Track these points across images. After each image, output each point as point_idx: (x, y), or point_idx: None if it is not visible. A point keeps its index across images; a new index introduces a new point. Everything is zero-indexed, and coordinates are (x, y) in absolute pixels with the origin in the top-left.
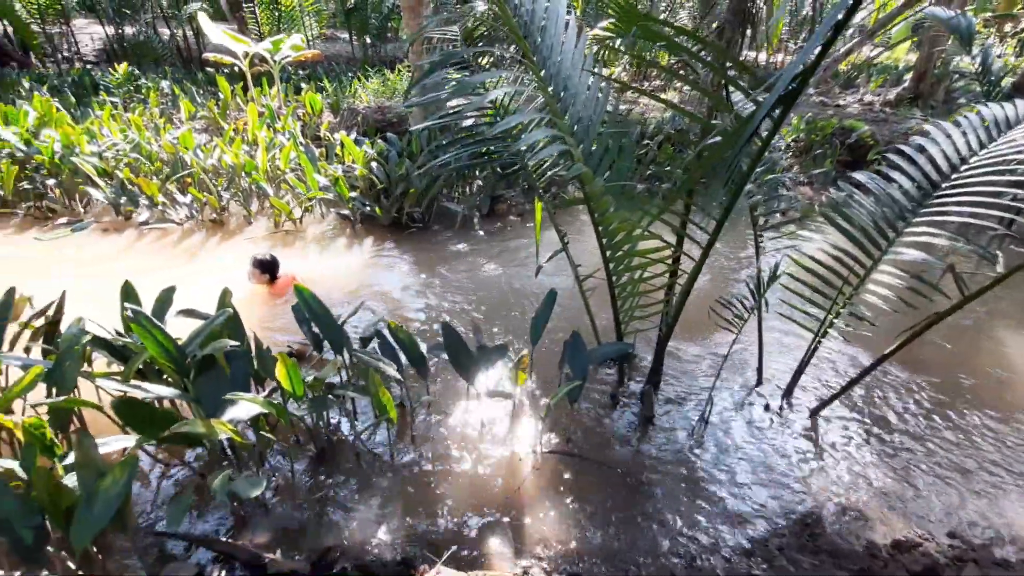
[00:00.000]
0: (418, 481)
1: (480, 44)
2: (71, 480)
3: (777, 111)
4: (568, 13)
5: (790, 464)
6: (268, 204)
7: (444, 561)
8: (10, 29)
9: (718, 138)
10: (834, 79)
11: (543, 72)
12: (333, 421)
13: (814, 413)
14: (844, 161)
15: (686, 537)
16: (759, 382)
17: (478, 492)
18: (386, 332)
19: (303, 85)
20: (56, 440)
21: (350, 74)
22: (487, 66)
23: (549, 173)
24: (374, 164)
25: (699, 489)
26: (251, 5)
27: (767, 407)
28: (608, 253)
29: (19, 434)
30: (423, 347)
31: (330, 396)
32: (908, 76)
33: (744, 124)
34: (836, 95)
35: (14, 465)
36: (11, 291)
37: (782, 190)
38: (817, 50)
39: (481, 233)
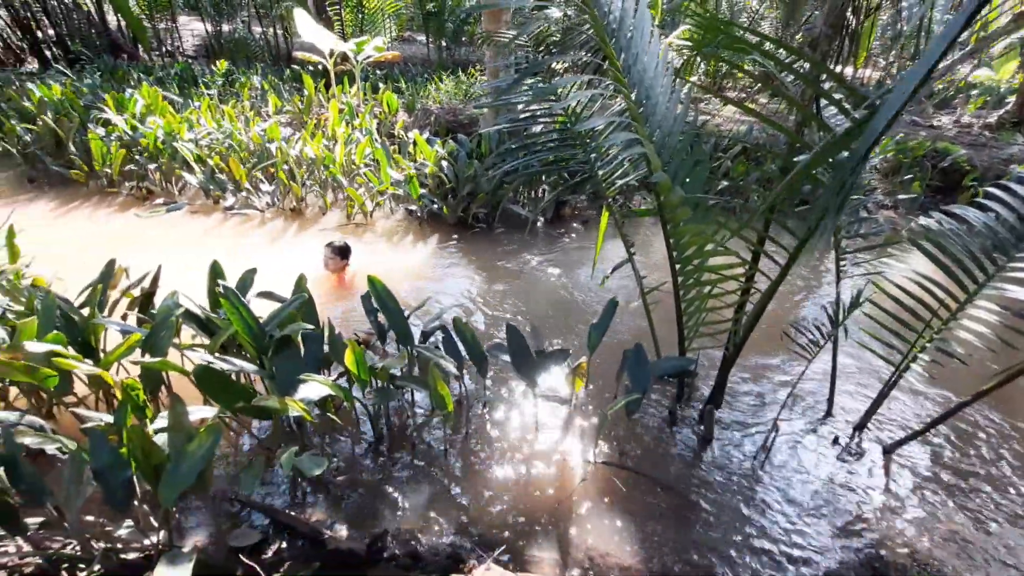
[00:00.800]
0: (470, 477)
1: (553, 50)
2: (159, 440)
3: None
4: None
5: (859, 504)
6: (342, 197)
7: (494, 559)
8: (123, 23)
9: (806, 155)
10: (928, 99)
11: (626, 79)
12: (392, 410)
13: (889, 451)
14: (935, 186)
15: (740, 571)
16: (829, 413)
17: (529, 495)
18: (450, 327)
19: (381, 84)
20: (147, 402)
21: (425, 76)
22: (559, 72)
23: (619, 183)
24: (444, 163)
25: (757, 520)
26: (336, 7)
27: (836, 440)
28: (678, 266)
29: (118, 393)
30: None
31: (392, 386)
32: (1011, 98)
33: (848, 139)
34: (930, 115)
35: (111, 419)
36: (111, 263)
37: (863, 212)
38: (930, 64)
39: (544, 237)
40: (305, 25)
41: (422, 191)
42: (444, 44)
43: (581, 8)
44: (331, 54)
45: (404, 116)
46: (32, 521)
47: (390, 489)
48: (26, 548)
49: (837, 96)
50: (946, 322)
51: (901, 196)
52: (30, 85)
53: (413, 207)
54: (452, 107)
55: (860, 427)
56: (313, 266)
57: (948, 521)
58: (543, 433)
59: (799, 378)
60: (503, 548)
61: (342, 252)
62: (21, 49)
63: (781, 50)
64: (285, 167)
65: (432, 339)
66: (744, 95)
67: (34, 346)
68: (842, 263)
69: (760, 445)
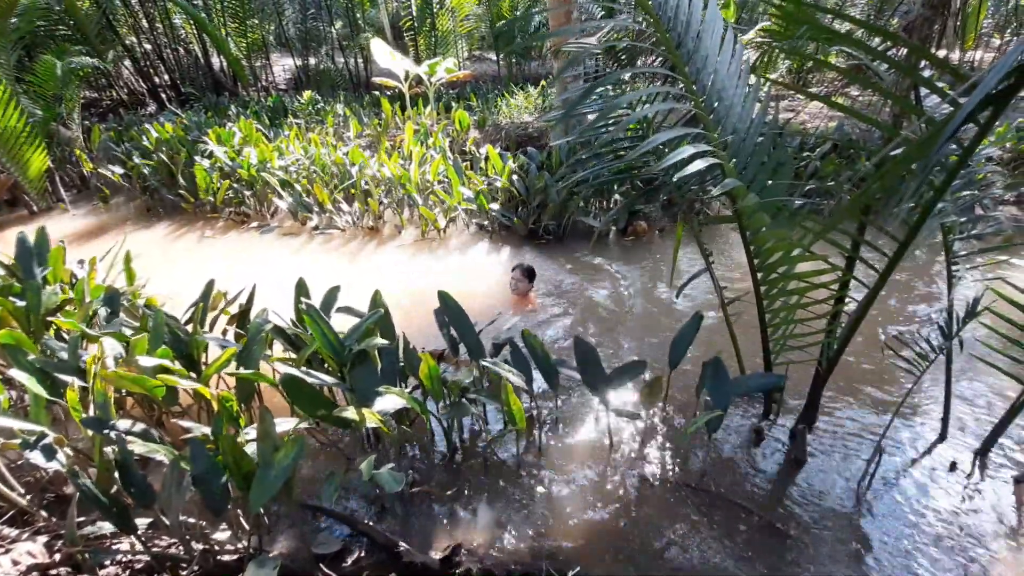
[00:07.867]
0: (543, 493)
1: (622, 57)
2: (250, 449)
3: (984, 114)
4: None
5: (980, 541)
6: (417, 214)
7: None
8: (225, 63)
9: (902, 148)
10: None
11: (695, 85)
12: (466, 423)
13: (1020, 481)
14: None
15: None
16: (943, 436)
17: (603, 514)
18: (519, 340)
19: (453, 104)
20: (240, 413)
21: (496, 91)
22: (628, 81)
23: (695, 188)
24: (514, 177)
25: (857, 556)
26: (412, 33)
27: (953, 466)
28: (760, 275)
29: (215, 405)
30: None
31: (464, 400)
32: None
33: (939, 129)
34: None
35: (207, 431)
36: (211, 283)
37: (981, 209)
38: None
39: (617, 248)
40: (381, 53)
41: (494, 205)
42: (514, 60)
43: (644, 15)
44: (406, 77)
45: (475, 132)
46: (141, 522)
47: (462, 502)
48: (137, 546)
49: (940, 84)
50: None
51: None
52: (148, 126)
53: (485, 222)
54: (522, 121)
55: (982, 452)
56: (389, 280)
57: None
58: (618, 450)
59: (906, 396)
60: (577, 569)
61: (529, 274)
62: (142, 94)
63: (873, 36)
64: (363, 185)
65: (502, 353)
66: (833, 89)
67: (145, 360)
68: (954, 267)
69: (861, 470)
